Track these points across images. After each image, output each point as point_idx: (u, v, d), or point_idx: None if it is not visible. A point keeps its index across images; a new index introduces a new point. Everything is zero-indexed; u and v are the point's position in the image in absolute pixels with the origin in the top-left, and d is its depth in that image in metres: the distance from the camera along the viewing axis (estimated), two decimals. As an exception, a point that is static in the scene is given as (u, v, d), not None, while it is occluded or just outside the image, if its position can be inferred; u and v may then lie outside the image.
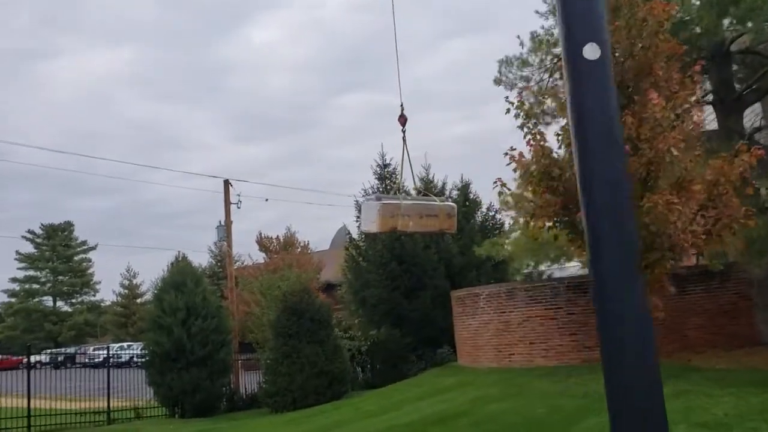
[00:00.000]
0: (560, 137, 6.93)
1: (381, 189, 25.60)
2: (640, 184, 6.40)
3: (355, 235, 25.74)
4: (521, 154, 7.70)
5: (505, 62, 18.17)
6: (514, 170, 8.16)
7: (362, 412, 13.46)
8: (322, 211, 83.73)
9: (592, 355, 16.28)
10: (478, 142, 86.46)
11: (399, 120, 11.55)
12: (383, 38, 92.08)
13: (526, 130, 7.37)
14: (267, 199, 42.80)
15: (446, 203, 13.04)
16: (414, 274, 23.97)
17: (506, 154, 7.64)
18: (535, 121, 7.37)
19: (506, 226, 16.53)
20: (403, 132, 11.40)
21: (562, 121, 8.53)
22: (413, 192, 14.52)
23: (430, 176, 27.50)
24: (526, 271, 15.65)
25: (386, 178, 25.70)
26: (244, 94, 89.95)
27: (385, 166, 25.77)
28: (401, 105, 11.72)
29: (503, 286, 18.10)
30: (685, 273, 16.31)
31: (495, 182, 8.77)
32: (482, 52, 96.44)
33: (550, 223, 6.96)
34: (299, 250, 48.54)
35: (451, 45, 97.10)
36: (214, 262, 53.53)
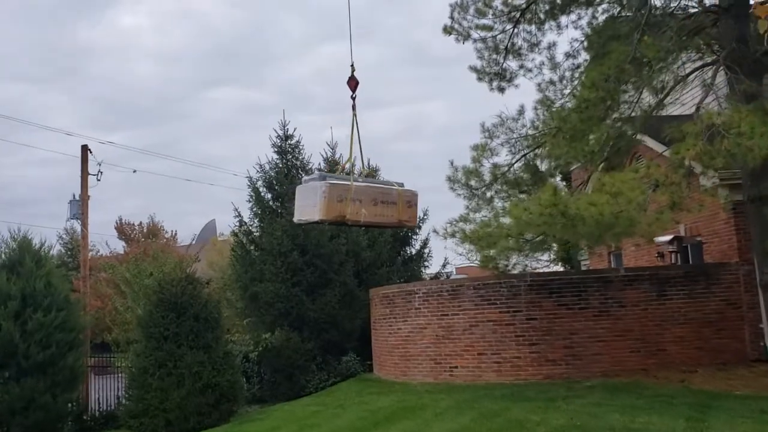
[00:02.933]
0: None
1: (281, 166, 21.49)
2: None
3: (246, 218, 21.38)
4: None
5: (459, 6, 14.73)
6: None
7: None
8: (187, 206, 76.78)
9: (556, 371, 13.20)
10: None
11: (348, 83, 9.98)
12: (255, 35, 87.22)
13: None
14: (135, 171, 37.24)
15: (405, 188, 10.12)
16: (318, 268, 20.03)
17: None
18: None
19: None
20: (353, 98, 9.83)
21: None
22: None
23: (337, 156, 23.68)
24: (506, 263, 12.21)
25: (288, 153, 21.60)
26: (107, 80, 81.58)
27: (287, 137, 21.64)
28: (351, 65, 9.98)
29: (447, 283, 14.64)
30: (665, 274, 13.57)
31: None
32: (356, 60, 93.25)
33: None
34: (165, 240, 43.36)
35: (323, 50, 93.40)
36: (64, 251, 46.56)
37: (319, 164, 23.17)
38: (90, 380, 19.45)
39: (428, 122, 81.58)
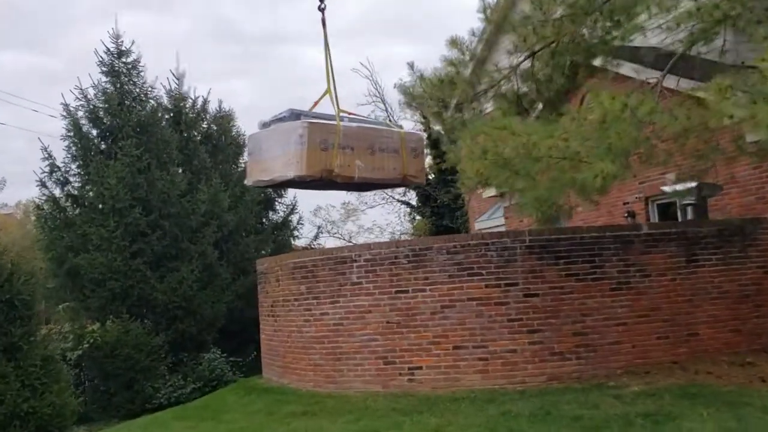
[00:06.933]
0: None
1: (113, 92, 15.47)
2: None
3: (59, 162, 15.08)
4: None
5: None
6: None
7: None
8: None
9: (564, 369, 9.27)
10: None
11: None
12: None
13: None
14: None
15: (408, 131, 8.64)
16: (168, 233, 14.55)
17: None
18: None
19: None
20: (322, 10, 7.69)
21: None
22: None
23: (185, 89, 18.09)
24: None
25: (122, 75, 15.63)
26: None
27: (121, 54, 15.66)
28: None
29: (405, 245, 10.05)
30: (695, 233, 10.12)
31: None
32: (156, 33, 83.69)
33: None
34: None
35: (121, 19, 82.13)
36: None
37: (162, 99, 17.45)
38: None
39: (232, 100, 73.61)
